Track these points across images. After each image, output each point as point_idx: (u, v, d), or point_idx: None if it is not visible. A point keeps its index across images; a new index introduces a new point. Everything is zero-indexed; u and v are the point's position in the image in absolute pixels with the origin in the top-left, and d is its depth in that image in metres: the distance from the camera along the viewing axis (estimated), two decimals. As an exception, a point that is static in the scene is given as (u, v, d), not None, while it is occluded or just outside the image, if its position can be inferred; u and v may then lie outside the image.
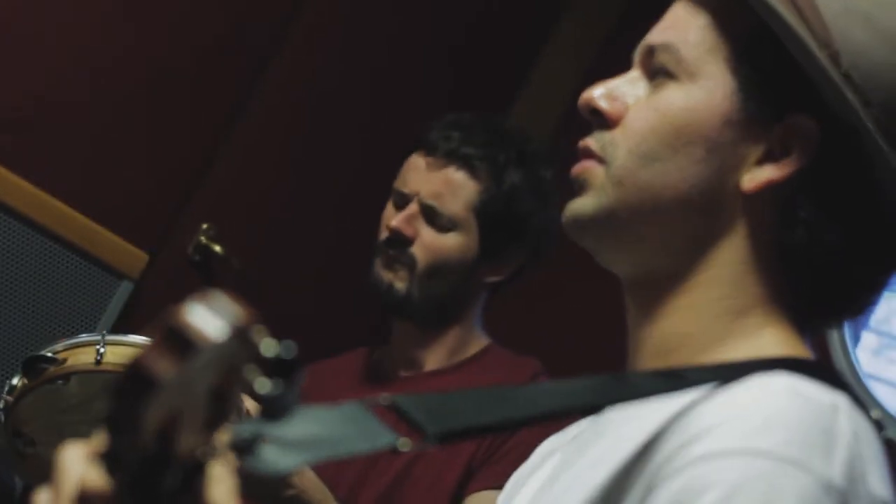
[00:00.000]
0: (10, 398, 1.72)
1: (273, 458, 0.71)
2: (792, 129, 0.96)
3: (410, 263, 2.00)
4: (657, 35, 1.03)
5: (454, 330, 2.06)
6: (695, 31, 1.00)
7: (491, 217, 2.00)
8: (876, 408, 2.57)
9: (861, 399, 0.93)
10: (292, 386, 0.71)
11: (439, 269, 2.00)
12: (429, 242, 2.00)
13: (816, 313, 1.00)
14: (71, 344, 1.72)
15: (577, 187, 1.03)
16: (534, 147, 2.08)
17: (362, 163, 3.00)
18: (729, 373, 0.90)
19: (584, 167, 1.02)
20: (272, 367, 0.70)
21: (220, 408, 0.69)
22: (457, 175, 2.01)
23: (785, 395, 0.87)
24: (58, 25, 2.48)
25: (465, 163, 2.01)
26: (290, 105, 2.84)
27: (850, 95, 0.93)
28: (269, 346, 0.70)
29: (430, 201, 2.01)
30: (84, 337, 1.73)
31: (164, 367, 0.65)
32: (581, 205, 1.02)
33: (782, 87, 0.96)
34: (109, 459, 0.68)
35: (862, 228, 0.96)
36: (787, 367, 0.90)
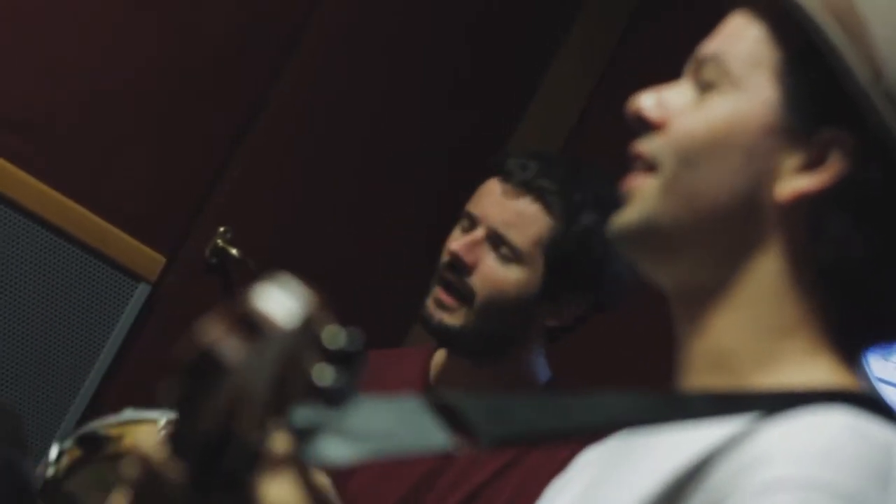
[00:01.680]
0: (58, 469, 1.69)
1: (329, 449, 0.72)
2: (829, 141, 0.96)
3: (469, 295, 1.91)
4: (709, 46, 1.04)
5: (508, 373, 1.97)
6: (745, 43, 1.01)
7: (559, 257, 1.90)
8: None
9: None
10: (354, 376, 0.72)
11: (496, 304, 1.90)
12: (489, 273, 1.91)
13: (858, 335, 1.00)
14: (128, 419, 1.68)
15: (624, 200, 1.04)
16: (612, 192, 1.96)
17: (377, 165, 3.00)
18: (785, 401, 0.91)
19: (634, 184, 1.03)
20: (336, 357, 0.71)
21: (283, 395, 0.70)
22: (531, 207, 1.92)
23: (843, 431, 0.88)
24: (77, 28, 2.50)
25: (540, 196, 1.92)
26: (305, 108, 2.85)
27: (887, 113, 0.94)
28: (334, 336, 0.71)
29: (499, 229, 1.92)
30: (129, 413, 1.68)
31: (233, 351, 0.66)
32: (626, 216, 1.03)
33: (823, 100, 0.97)
34: (176, 442, 0.70)
35: (893, 245, 0.96)
36: (844, 400, 0.91)
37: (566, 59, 3.20)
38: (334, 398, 0.72)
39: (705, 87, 1.02)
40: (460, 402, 0.80)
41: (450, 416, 0.79)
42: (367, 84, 2.93)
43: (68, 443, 1.66)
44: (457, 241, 1.94)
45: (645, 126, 1.03)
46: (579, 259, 1.91)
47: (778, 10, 0.99)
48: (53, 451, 1.68)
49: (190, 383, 0.67)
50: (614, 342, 2.84)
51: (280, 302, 0.67)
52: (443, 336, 1.94)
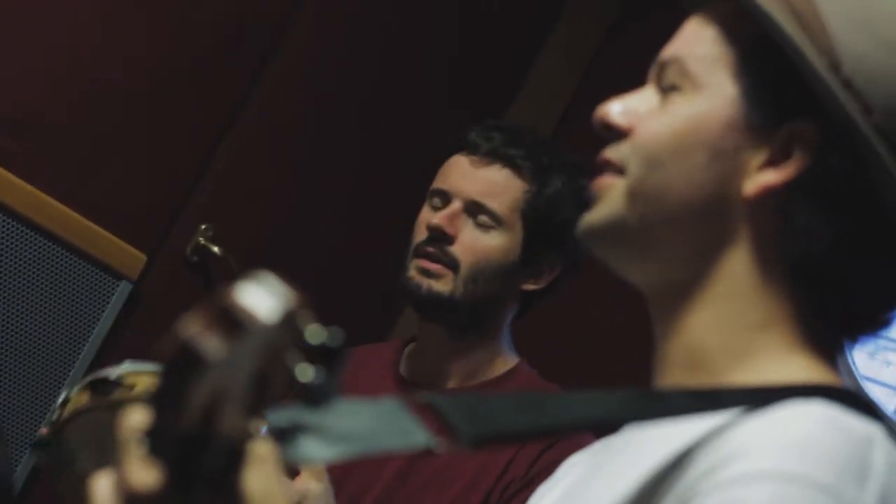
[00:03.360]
0: (61, 415, 1.66)
1: (310, 448, 0.72)
2: (792, 134, 0.97)
3: (453, 265, 1.93)
4: (668, 50, 1.05)
5: (485, 341, 1.99)
6: (702, 43, 1.02)
7: (535, 219, 1.95)
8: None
9: (895, 430, 0.93)
10: (335, 374, 0.71)
11: (482, 271, 1.93)
12: (470, 242, 1.94)
13: (834, 329, 1.00)
14: (141, 370, 1.66)
15: (592, 200, 1.05)
16: (574, 157, 2.04)
17: (361, 163, 3.00)
18: (764, 397, 0.91)
19: (602, 182, 1.05)
20: (316, 354, 0.70)
21: (263, 391, 0.69)
22: (502, 173, 1.96)
23: (821, 424, 0.88)
24: (57, 26, 2.48)
25: (510, 162, 1.96)
26: (288, 105, 2.84)
27: (846, 101, 0.94)
28: (315, 333, 0.70)
29: (476, 198, 1.95)
30: (128, 365, 1.66)
31: (213, 347, 0.65)
32: (593, 215, 1.04)
33: (784, 93, 0.98)
34: (153, 437, 0.68)
35: (861, 235, 0.96)
36: (823, 394, 0.91)
37: (552, 56, 3.20)
38: (316, 396, 0.71)
39: (668, 90, 1.03)
40: (439, 402, 0.81)
41: (429, 415, 0.79)
42: (350, 81, 2.92)
43: (76, 388, 1.64)
44: (436, 216, 1.96)
45: (612, 133, 1.04)
46: (553, 220, 1.96)
47: (733, 7, 1.00)
48: (61, 397, 1.66)
49: (169, 379, 0.66)
50: (596, 339, 2.84)
51: (261, 298, 0.66)
52: (433, 303, 1.95)
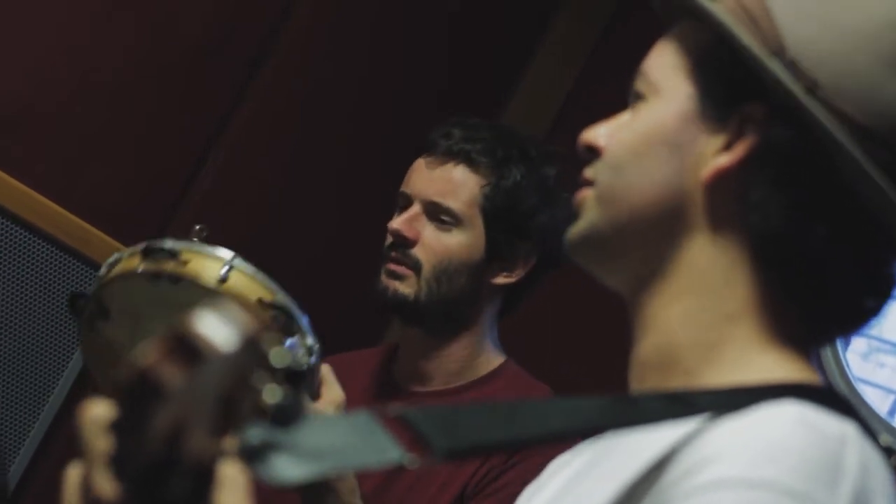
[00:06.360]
0: (109, 272, 1.63)
1: (283, 467, 0.72)
2: (743, 117, 0.99)
3: (415, 266, 1.96)
4: (640, 66, 1.09)
5: (465, 339, 2.00)
6: (664, 55, 1.06)
7: (495, 212, 1.97)
8: (884, 433, 2.58)
9: (870, 427, 0.94)
10: (302, 393, 0.72)
11: (445, 270, 1.95)
12: (432, 242, 1.96)
13: (806, 314, 1.00)
14: (198, 249, 1.64)
15: (576, 215, 1.09)
16: (537, 146, 2.06)
17: (354, 164, 3.00)
18: (737, 399, 0.92)
19: (579, 196, 1.09)
20: (285, 376, 0.71)
21: (230, 415, 0.70)
22: (457, 170, 1.99)
23: (793, 426, 0.88)
24: (47, 22, 2.48)
25: (465, 158, 1.98)
26: (281, 106, 2.84)
27: (786, 78, 0.97)
28: (279, 356, 0.71)
29: (432, 198, 1.97)
30: (213, 248, 1.64)
31: (171, 376, 0.66)
32: (574, 229, 1.08)
33: (734, 81, 1.00)
34: (117, 464, 0.69)
35: (820, 207, 0.97)
36: (796, 393, 0.92)
37: (547, 55, 3.19)
38: (285, 416, 0.72)
39: (636, 102, 1.07)
40: (412, 415, 0.81)
41: (402, 428, 0.80)
42: (346, 81, 2.92)
43: (128, 251, 1.62)
44: (395, 220, 2.00)
45: (593, 154, 1.08)
46: (514, 211, 1.98)
47: (693, 23, 1.04)
48: (113, 256, 1.63)
49: (128, 408, 0.67)
50: (591, 339, 2.84)
51: (217, 326, 0.67)
52: (399, 305, 1.98)
